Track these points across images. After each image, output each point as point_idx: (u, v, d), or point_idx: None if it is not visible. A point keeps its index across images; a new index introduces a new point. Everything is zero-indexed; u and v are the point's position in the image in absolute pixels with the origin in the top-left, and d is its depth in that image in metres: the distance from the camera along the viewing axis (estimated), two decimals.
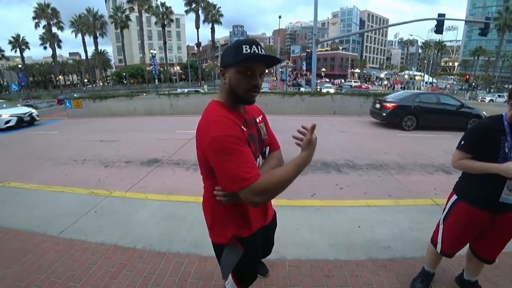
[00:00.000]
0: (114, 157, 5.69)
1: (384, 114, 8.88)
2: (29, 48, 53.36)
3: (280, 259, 2.29)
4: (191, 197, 3.49)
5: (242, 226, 1.19)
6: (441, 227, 1.84)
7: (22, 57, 54.31)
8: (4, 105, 11.66)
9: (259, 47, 1.03)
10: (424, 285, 1.97)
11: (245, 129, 1.07)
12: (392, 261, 2.30)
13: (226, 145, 0.95)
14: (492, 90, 44.46)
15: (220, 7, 47.26)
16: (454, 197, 1.75)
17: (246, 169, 0.96)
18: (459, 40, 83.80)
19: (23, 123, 10.72)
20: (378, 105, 9.28)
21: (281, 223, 2.74)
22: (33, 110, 11.68)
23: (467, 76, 40.54)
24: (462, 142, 1.63)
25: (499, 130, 1.52)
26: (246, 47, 1.01)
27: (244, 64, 1.02)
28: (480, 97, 32.33)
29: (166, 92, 15.24)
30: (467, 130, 1.65)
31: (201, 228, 2.75)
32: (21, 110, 11.28)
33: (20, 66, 54.24)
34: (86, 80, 68.23)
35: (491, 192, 1.56)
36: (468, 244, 1.83)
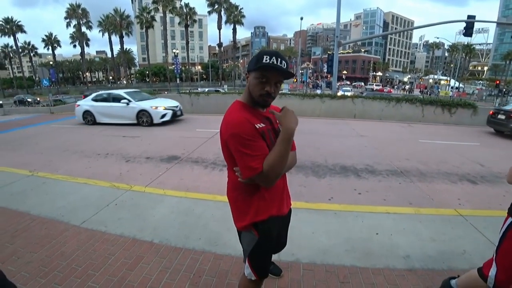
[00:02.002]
0: (135, 152, 5.87)
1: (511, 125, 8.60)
2: (60, 46, 56.36)
3: (295, 262, 2.27)
4: (209, 195, 3.54)
5: (257, 214, 1.33)
6: (494, 256, 1.63)
7: (54, 55, 57.33)
8: (150, 97, 10.78)
9: (279, 59, 1.17)
10: None
11: (261, 125, 1.24)
12: (411, 272, 2.22)
13: (242, 141, 1.17)
14: None
15: (242, 8, 47.72)
16: (510, 220, 1.55)
17: (256, 160, 1.17)
18: (489, 43, 79.59)
19: (176, 116, 9.89)
20: (502, 116, 8.95)
21: (298, 226, 2.76)
22: (178, 103, 10.42)
23: (497, 82, 38.33)
24: None
25: None
26: (266, 57, 1.17)
27: (261, 72, 1.19)
28: (511, 103, 30.51)
29: (188, 91, 15.52)
30: None
31: (217, 226, 2.80)
32: (169, 102, 10.20)
33: (51, 63, 57.18)
34: (111, 78, 70.87)
35: None
36: None
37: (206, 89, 20.81)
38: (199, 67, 66.58)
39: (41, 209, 3.21)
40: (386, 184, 4.17)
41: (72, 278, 2.12)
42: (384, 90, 43.07)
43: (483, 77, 72.01)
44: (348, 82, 61.84)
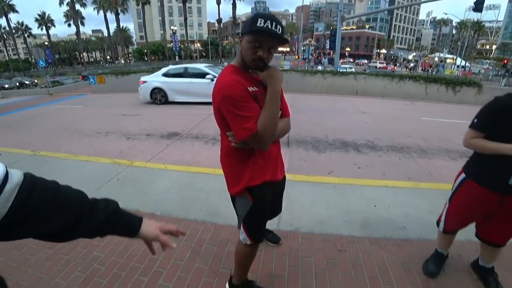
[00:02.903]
0: (136, 130, 5.87)
1: None
2: (54, 26, 54.78)
3: (294, 231, 2.33)
4: (209, 169, 3.57)
5: (252, 179, 1.33)
6: (446, 206, 1.83)
7: (48, 35, 55.92)
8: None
9: (274, 23, 1.12)
10: (437, 267, 1.93)
11: (254, 88, 1.23)
12: (406, 241, 2.28)
13: (234, 102, 1.16)
14: None
15: None
16: (463, 175, 1.70)
17: (251, 121, 1.17)
18: (500, 21, 76.47)
19: None
20: None
21: (297, 198, 2.80)
22: None
23: (505, 61, 37.23)
24: (476, 121, 1.53)
25: None
26: (261, 21, 1.12)
27: (254, 35, 1.14)
28: None
29: None
30: (482, 108, 1.54)
31: (217, 199, 2.84)
32: None
33: (46, 43, 55.87)
34: (108, 57, 69.45)
35: (501, 173, 1.48)
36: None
37: None
38: (198, 44, 64.98)
39: None
40: (386, 159, 4.19)
41: (78, 248, 2.18)
42: (388, 68, 42.18)
43: (491, 56, 69.92)
44: (351, 60, 60.50)
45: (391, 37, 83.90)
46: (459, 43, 61.06)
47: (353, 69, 22.92)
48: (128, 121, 6.78)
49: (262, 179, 1.34)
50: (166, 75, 8.90)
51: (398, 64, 61.46)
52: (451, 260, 2.05)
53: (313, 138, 5.12)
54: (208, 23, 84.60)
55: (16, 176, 0.58)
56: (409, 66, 54.75)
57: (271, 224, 1.94)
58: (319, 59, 45.90)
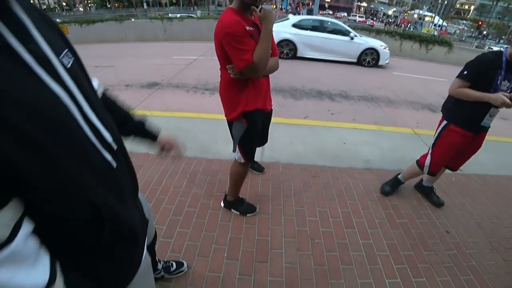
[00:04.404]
0: (113, 81, 5.70)
1: None
2: None
3: (275, 163, 2.71)
4: (194, 113, 3.76)
5: (247, 105, 1.59)
6: (430, 151, 2.15)
7: None
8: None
9: None
10: (392, 189, 2.41)
11: (250, 28, 1.42)
12: (368, 170, 2.75)
13: (235, 38, 1.36)
14: (502, 41, 42.19)
15: None
16: (444, 122, 2.04)
17: (248, 53, 1.39)
18: None
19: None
20: None
21: (277, 136, 3.16)
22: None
23: (480, 23, 37.93)
24: (465, 72, 1.81)
25: (497, 64, 1.72)
26: None
27: None
28: (488, 47, 31.21)
29: (159, 16, 14.12)
30: (471, 61, 1.81)
31: (205, 138, 3.10)
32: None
33: None
34: (64, 3, 61.08)
35: (476, 117, 1.87)
36: None
37: (178, 15, 18.97)
38: None
39: None
40: (357, 107, 4.60)
41: None
42: (367, 23, 41.57)
43: (468, 17, 70.51)
44: (331, 12, 58.47)
45: None
46: (439, 0, 60.59)
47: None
48: (103, 73, 6.49)
49: (255, 106, 1.60)
50: (297, 26, 7.74)
51: (376, 19, 60.51)
52: (403, 187, 2.55)
53: (291, 87, 5.38)
54: None
55: (98, 82, 0.77)
56: (387, 22, 54.33)
57: (256, 157, 2.24)
58: (298, 9, 43.96)
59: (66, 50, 0.54)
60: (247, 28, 1.40)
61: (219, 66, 1.58)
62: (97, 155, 0.54)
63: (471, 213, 2.35)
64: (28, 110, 0.38)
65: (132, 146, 2.79)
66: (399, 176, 2.42)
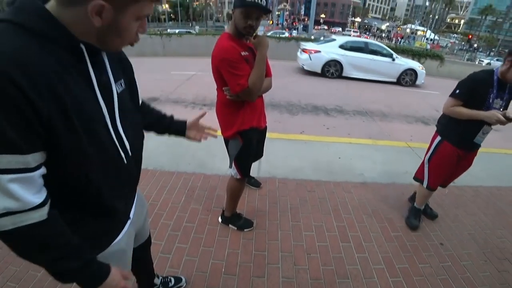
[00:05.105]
0: None
1: None
2: None
3: (272, 178, 2.76)
4: None
5: (242, 124, 1.67)
6: (426, 166, 2.18)
7: None
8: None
9: None
10: (417, 220, 2.30)
11: (245, 53, 1.52)
12: (363, 184, 2.81)
13: (230, 64, 1.46)
14: (492, 54, 43.38)
15: None
16: (438, 138, 2.08)
17: (243, 78, 1.48)
18: None
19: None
20: None
21: (273, 151, 3.23)
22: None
23: (470, 36, 39.07)
24: (458, 91, 1.84)
25: (489, 83, 1.79)
26: None
27: (244, 8, 1.40)
28: (478, 59, 32.10)
29: (158, 32, 14.45)
30: (463, 80, 1.87)
31: (203, 154, 3.16)
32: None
33: None
34: None
35: (469, 134, 1.92)
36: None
37: (177, 31, 19.40)
38: (167, 5, 60.27)
39: None
40: (352, 122, 4.72)
41: None
42: (361, 37, 42.61)
43: (459, 30, 72.55)
44: (326, 27, 59.99)
45: (366, 5, 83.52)
46: (430, 15, 62.45)
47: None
48: None
49: (250, 125, 1.68)
50: (343, 47, 8.20)
51: (370, 34, 62.09)
52: (396, 197, 2.61)
53: (287, 103, 5.50)
54: None
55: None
56: (383, 36, 55.77)
57: (252, 172, 2.31)
58: (294, 25, 45.16)
59: (121, 80, 0.78)
60: (242, 53, 1.50)
61: (216, 86, 1.66)
62: (113, 149, 0.72)
63: (464, 225, 2.40)
64: (77, 102, 0.60)
65: None
66: (415, 205, 2.35)
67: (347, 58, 8.14)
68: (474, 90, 1.81)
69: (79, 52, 0.61)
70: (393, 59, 8.32)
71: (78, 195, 0.69)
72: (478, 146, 2.01)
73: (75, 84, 0.60)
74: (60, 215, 0.65)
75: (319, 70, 8.25)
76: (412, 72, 8.45)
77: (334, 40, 8.69)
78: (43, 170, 0.59)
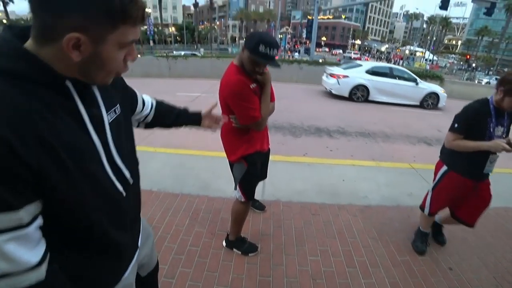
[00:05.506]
0: None
1: None
2: (13, 2, 49.91)
3: (276, 201, 2.76)
4: (197, 151, 3.88)
5: (246, 149, 1.72)
6: (429, 194, 2.18)
7: (6, 11, 50.93)
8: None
9: (273, 50, 1.44)
10: (424, 245, 2.28)
11: (253, 85, 1.58)
12: (367, 207, 2.79)
13: (242, 97, 1.53)
14: (491, 73, 44.10)
15: None
16: (444, 168, 2.03)
17: (257, 111, 1.56)
18: (466, 18, 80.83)
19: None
20: None
21: (277, 174, 3.24)
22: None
23: (468, 56, 39.89)
24: (456, 125, 1.84)
25: (486, 113, 1.79)
26: (262, 47, 1.42)
27: (255, 58, 1.46)
28: (478, 79, 32.57)
29: (165, 54, 14.93)
30: (459, 114, 1.85)
31: (207, 176, 3.18)
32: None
33: (4, 21, 50.99)
34: None
35: (477, 164, 1.87)
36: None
37: (183, 53, 20.07)
38: (173, 28, 62.67)
39: None
40: (354, 143, 4.75)
41: None
42: (362, 59, 43.62)
43: (457, 51, 74.19)
44: (327, 49, 61.57)
45: (366, 28, 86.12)
46: (428, 37, 64.17)
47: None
48: None
49: (254, 149, 1.73)
50: (370, 72, 8.60)
51: (370, 55, 63.60)
52: (402, 219, 2.59)
53: (290, 125, 5.57)
54: (183, 6, 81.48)
55: (152, 100, 1.11)
56: (382, 58, 57.07)
57: (257, 195, 2.32)
58: (296, 47, 46.57)
59: (115, 107, 0.74)
60: (251, 86, 1.56)
61: (221, 110, 1.70)
62: (111, 185, 0.69)
63: (473, 248, 2.36)
64: (70, 147, 0.56)
65: (145, 184, 2.84)
66: (421, 229, 2.32)
67: (373, 82, 8.50)
68: (471, 122, 1.80)
69: (66, 90, 0.58)
70: (417, 83, 8.66)
71: (81, 237, 0.65)
72: (487, 175, 1.98)
73: (64, 125, 0.56)
74: (66, 260, 0.62)
75: (346, 94, 8.56)
76: (435, 96, 8.76)
77: (360, 65, 9.06)
78: (39, 221, 0.55)
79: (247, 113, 1.55)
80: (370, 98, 8.59)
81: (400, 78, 8.73)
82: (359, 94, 8.55)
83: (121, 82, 0.84)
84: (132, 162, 0.81)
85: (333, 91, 8.81)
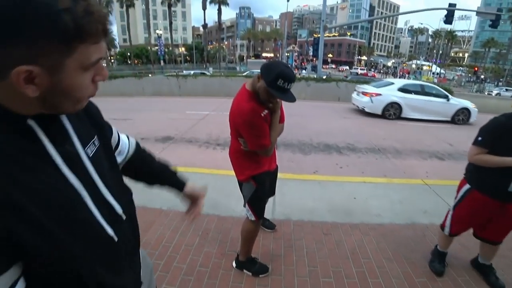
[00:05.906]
0: (130, 133, 5.98)
1: None
2: None
3: (286, 220, 2.72)
4: (206, 169, 3.90)
5: (255, 169, 1.74)
6: (450, 213, 2.08)
7: None
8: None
9: (291, 84, 1.45)
10: (442, 265, 2.18)
11: (265, 112, 1.59)
12: (381, 226, 2.72)
13: (253, 126, 1.55)
14: (500, 84, 43.58)
15: None
16: (467, 186, 1.92)
17: (266, 139, 1.59)
18: (471, 30, 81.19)
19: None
20: None
21: (288, 193, 3.21)
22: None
23: (476, 68, 39.69)
24: (480, 139, 1.73)
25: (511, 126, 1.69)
26: (281, 81, 1.42)
27: (271, 90, 1.45)
28: (487, 90, 32.18)
29: (175, 74, 15.38)
30: (484, 126, 1.76)
31: (217, 194, 3.17)
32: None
33: None
34: None
35: (502, 182, 1.71)
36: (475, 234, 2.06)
37: (192, 72, 20.64)
38: (183, 48, 64.73)
39: None
40: (365, 160, 4.68)
41: None
42: (368, 74, 43.88)
43: (464, 63, 74.04)
44: (334, 66, 62.28)
45: (371, 45, 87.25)
46: (434, 51, 64.37)
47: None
48: (120, 125, 6.93)
49: (262, 169, 1.75)
50: (402, 90, 8.75)
51: (377, 71, 63.93)
52: (417, 238, 2.50)
53: (299, 142, 5.57)
54: (193, 27, 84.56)
55: (134, 141, 0.99)
56: (385, 71, 57.36)
57: (267, 214, 2.30)
58: (303, 65, 47.35)
59: (93, 139, 0.66)
60: (262, 113, 1.57)
61: (230, 131, 1.74)
62: (100, 232, 0.60)
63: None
64: (42, 199, 0.48)
65: (147, 201, 2.87)
66: (439, 248, 2.23)
67: (406, 100, 8.61)
68: (496, 137, 1.71)
69: (30, 130, 0.50)
70: (448, 100, 8.73)
71: None
72: None
73: (33, 174, 0.48)
74: None
75: (380, 112, 8.62)
76: (466, 111, 8.76)
77: (392, 83, 9.24)
78: (21, 285, 0.48)
79: (256, 141, 1.57)
80: (403, 115, 8.65)
81: (430, 95, 8.80)
82: (392, 111, 8.61)
83: (97, 113, 0.76)
84: (122, 193, 0.74)
85: (366, 109, 8.86)
